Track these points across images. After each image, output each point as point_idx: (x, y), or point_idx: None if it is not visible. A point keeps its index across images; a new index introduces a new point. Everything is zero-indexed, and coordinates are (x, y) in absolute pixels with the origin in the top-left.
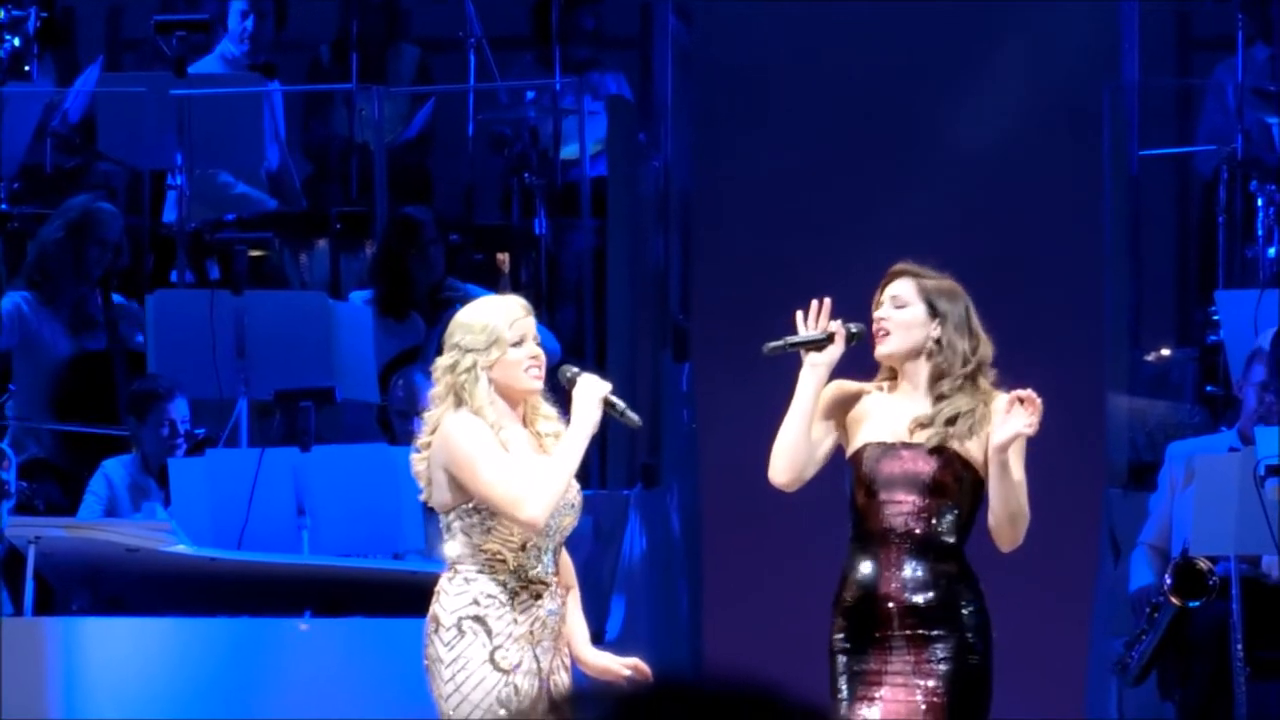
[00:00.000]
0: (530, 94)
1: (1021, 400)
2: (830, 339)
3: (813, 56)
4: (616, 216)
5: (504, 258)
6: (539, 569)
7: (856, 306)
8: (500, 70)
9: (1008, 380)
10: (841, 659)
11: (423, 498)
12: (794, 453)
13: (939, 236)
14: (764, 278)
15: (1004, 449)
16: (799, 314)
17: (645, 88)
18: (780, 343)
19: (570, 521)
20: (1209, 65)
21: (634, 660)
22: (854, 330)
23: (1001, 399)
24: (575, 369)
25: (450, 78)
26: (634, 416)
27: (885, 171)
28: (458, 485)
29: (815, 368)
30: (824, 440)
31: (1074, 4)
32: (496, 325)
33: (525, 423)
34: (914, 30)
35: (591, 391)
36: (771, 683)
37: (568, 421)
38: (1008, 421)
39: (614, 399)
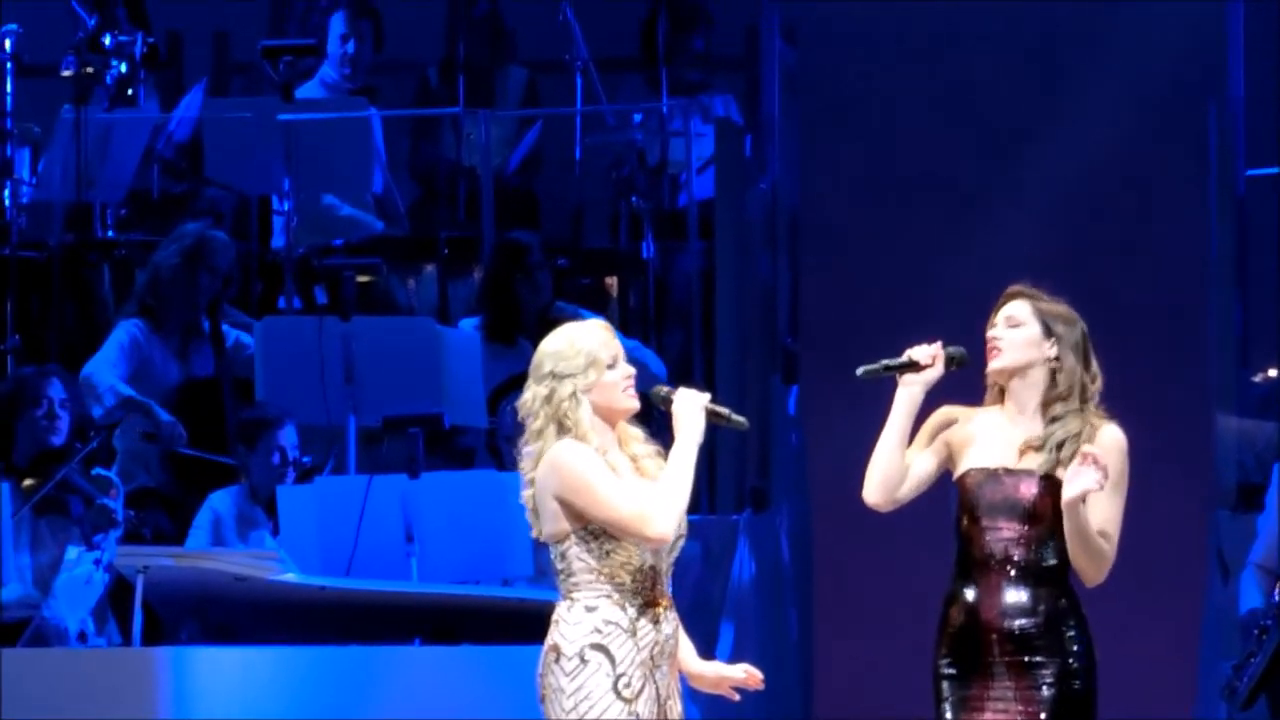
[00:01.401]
0: (637, 116)
1: (1090, 457)
2: (923, 365)
3: (915, 75)
4: (724, 239)
5: (612, 281)
6: (656, 591)
7: (963, 325)
8: (608, 92)
9: (1113, 401)
10: (945, 685)
11: (534, 534)
12: (886, 473)
13: (1045, 255)
14: (872, 299)
15: (1074, 504)
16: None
17: (752, 109)
18: (876, 366)
19: (681, 543)
20: None
21: (745, 665)
22: (954, 354)
23: (1109, 430)
24: (668, 386)
25: (557, 100)
26: (739, 418)
27: (990, 190)
28: (574, 512)
29: (910, 387)
30: (923, 464)
31: (1177, 20)
32: (591, 348)
33: (621, 447)
34: (1015, 47)
35: (692, 403)
36: None
37: (659, 442)
38: (1077, 477)
39: (715, 406)
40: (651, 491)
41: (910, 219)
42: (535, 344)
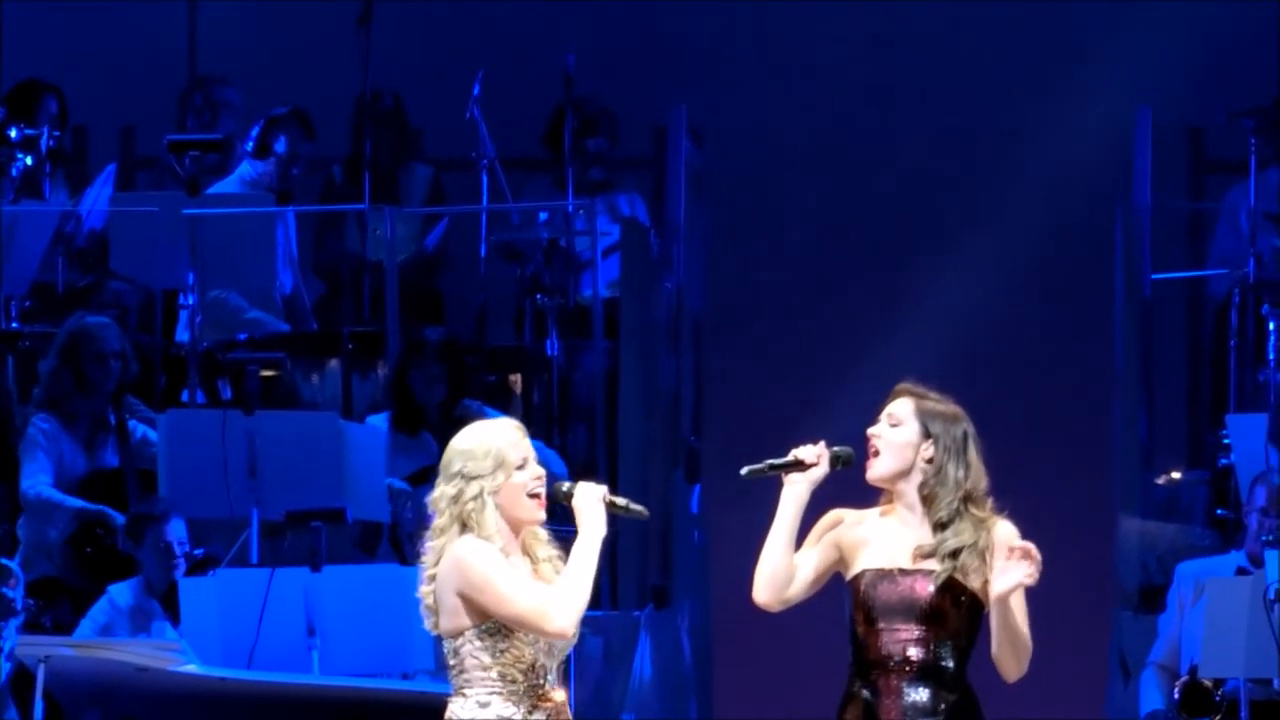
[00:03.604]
0: (543, 215)
1: (1020, 551)
2: (809, 463)
3: (824, 178)
4: (629, 337)
5: (516, 378)
6: (546, 688)
7: (867, 428)
8: (515, 191)
9: (1017, 500)
10: None
11: (428, 626)
12: (774, 572)
13: (952, 357)
14: (775, 398)
15: (1004, 599)
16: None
17: (658, 209)
18: (761, 465)
19: (571, 642)
20: (1222, 188)
21: None
22: (839, 453)
23: (1004, 526)
24: (568, 482)
25: (463, 198)
26: (639, 508)
27: (897, 292)
28: (475, 608)
29: (794, 485)
30: (811, 565)
31: (1085, 126)
32: (499, 449)
33: (524, 550)
34: (926, 152)
35: (591, 496)
36: None
37: (564, 549)
38: (1007, 572)
39: (614, 498)
40: (553, 587)
41: (814, 321)
42: (438, 438)
